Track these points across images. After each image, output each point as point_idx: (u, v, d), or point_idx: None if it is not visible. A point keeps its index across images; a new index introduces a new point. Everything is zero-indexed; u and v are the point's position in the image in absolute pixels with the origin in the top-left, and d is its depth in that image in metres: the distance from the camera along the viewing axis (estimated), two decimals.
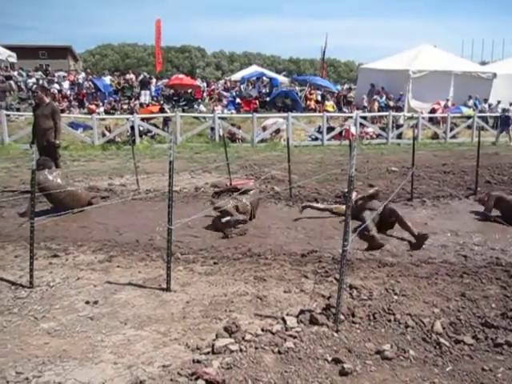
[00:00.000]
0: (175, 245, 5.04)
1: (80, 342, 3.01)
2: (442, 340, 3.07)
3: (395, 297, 3.74)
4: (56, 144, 7.63)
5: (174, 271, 4.10)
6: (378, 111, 19.06)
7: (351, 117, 17.00)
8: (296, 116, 16.93)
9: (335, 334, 3.08)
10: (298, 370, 2.71)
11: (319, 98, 21.30)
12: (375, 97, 20.43)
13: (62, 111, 18.33)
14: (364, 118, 17.15)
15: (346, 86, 28.49)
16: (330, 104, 20.43)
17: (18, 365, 2.74)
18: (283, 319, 3.27)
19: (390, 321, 3.33)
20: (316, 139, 15.90)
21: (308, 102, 20.70)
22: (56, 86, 21.58)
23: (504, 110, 17.54)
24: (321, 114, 16.97)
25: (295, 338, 3.01)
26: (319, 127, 16.14)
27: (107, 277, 4.17)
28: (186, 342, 2.99)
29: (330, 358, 2.83)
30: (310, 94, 21.27)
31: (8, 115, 14.74)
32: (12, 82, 22.10)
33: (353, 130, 15.92)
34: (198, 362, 2.74)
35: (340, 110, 20.60)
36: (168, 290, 3.84)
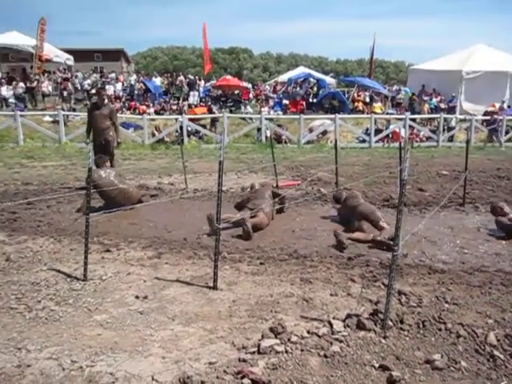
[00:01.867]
0: (222, 244, 5.09)
1: (130, 335, 3.11)
2: (496, 352, 2.93)
3: (446, 305, 3.61)
4: (118, 143, 8.03)
5: (220, 270, 4.15)
6: (429, 113, 18.49)
7: (400, 119, 16.61)
8: (343, 117, 16.72)
9: (383, 341, 3.01)
10: (344, 375, 2.68)
11: (367, 99, 20.94)
12: (425, 98, 19.84)
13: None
14: (413, 120, 16.70)
15: (395, 88, 27.83)
16: (378, 105, 20.05)
17: (73, 353, 2.86)
18: (329, 322, 3.23)
19: (440, 330, 3.22)
20: (363, 141, 15.66)
21: (355, 104, 20.40)
22: (110, 87, 22.40)
23: None
24: (368, 116, 16.69)
25: (341, 342, 2.97)
26: (367, 129, 15.88)
27: (156, 273, 4.28)
28: (232, 341, 3.02)
29: (377, 365, 2.77)
30: (358, 96, 20.94)
31: (66, 116, 15.45)
32: (69, 83, 23.14)
33: (402, 132, 15.54)
34: (244, 361, 2.76)
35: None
36: (215, 288, 3.89)
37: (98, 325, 3.26)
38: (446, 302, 3.64)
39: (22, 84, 20.27)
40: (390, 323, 3.17)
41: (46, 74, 23.72)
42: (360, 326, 3.16)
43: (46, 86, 22.07)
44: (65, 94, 19.65)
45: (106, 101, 8.27)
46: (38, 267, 4.42)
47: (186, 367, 2.72)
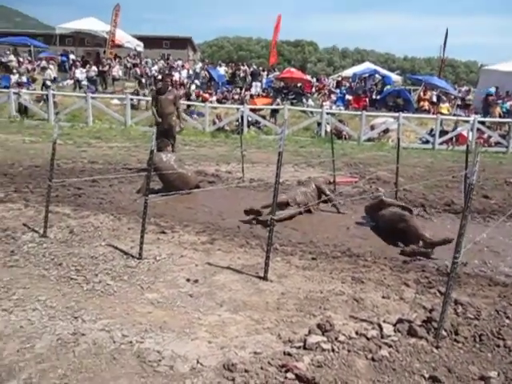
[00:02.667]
0: (274, 235, 5.08)
1: (179, 317, 3.17)
2: None
3: (507, 321, 3.39)
4: (181, 128, 8.22)
5: (271, 261, 4.14)
6: (500, 117, 17.40)
7: (468, 121, 15.78)
8: (407, 116, 16.13)
9: (435, 350, 2.88)
10: (391, 382, 2.58)
11: (434, 98, 20.04)
12: (497, 101, 18.68)
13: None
14: (482, 123, 15.80)
15: (465, 88, 26.50)
16: (445, 106, 19.14)
17: (124, 328, 2.96)
18: (379, 325, 3.13)
19: (498, 346, 3.03)
20: (427, 142, 15.04)
21: (421, 103, 19.58)
22: (176, 74, 22.95)
23: None
24: (434, 116, 15.99)
25: (391, 346, 2.87)
26: (431, 130, 15.22)
27: (208, 258, 4.34)
28: (278, 333, 3.01)
29: (427, 375, 2.65)
30: (424, 95, 20.09)
31: (132, 99, 16.02)
32: (137, 69, 23.96)
33: (469, 135, 14.76)
34: (289, 354, 2.74)
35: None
36: (265, 278, 3.89)
37: (149, 303, 3.36)
38: (507, 318, 3.42)
39: (94, 68, 21.22)
40: (444, 333, 3.02)
41: (117, 59, 24.69)
42: (411, 333, 3.03)
43: (117, 71, 22.99)
44: (143, 80, 20.47)
45: (171, 87, 8.45)
46: (97, 242, 4.62)
47: (230, 354, 2.73)
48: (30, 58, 25.46)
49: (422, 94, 20.23)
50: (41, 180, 7.10)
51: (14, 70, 20.37)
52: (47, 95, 16.06)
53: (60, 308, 3.21)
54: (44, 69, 22.29)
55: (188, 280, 3.80)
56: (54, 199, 6.08)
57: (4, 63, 23.01)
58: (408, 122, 15.70)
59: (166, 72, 17.26)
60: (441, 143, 14.76)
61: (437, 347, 2.92)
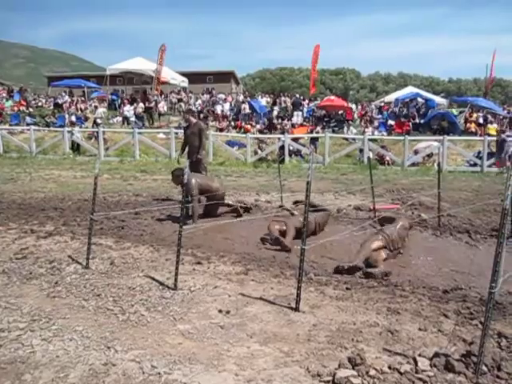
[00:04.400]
0: (310, 265, 5.06)
1: (208, 348, 3.18)
2: None
3: None
4: (198, 158, 8.15)
5: (305, 292, 4.09)
6: None
7: None
8: (452, 139, 15.68)
9: None
10: None
11: (481, 120, 19.42)
12: None
13: (221, 130, 20.01)
14: None
15: None
16: (493, 127, 18.47)
17: (154, 359, 3.00)
18: (414, 359, 3.00)
19: None
20: (474, 165, 14.51)
21: (468, 125, 19.02)
22: (218, 107, 23.63)
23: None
24: (481, 138, 15.44)
25: (425, 382, 2.73)
26: (479, 152, 14.70)
27: (241, 289, 4.34)
28: (307, 366, 2.94)
29: None
30: (471, 116, 19.51)
31: (176, 133, 16.60)
32: (182, 103, 24.87)
33: None
34: None
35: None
36: (297, 309, 3.83)
37: (180, 334, 3.40)
38: None
39: (141, 104, 22.24)
40: (485, 368, 2.85)
41: (162, 95, 25.76)
42: (448, 368, 2.88)
43: (162, 106, 23.97)
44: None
45: (195, 120, 8.49)
46: (135, 273, 4.75)
47: None
48: (83, 98, 27.07)
49: (467, 115, 19.68)
50: (88, 213, 7.41)
51: (69, 110, 21.71)
52: (98, 132, 16.96)
53: (95, 338, 3.31)
54: (95, 107, 23.61)
55: (220, 311, 3.82)
56: (98, 231, 6.37)
57: (60, 104, 24.60)
58: (453, 145, 15.27)
59: (188, 107, 17.77)
60: (489, 165, 14.20)
61: None
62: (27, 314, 3.72)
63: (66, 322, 3.58)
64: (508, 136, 16.98)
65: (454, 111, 21.53)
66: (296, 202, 7.59)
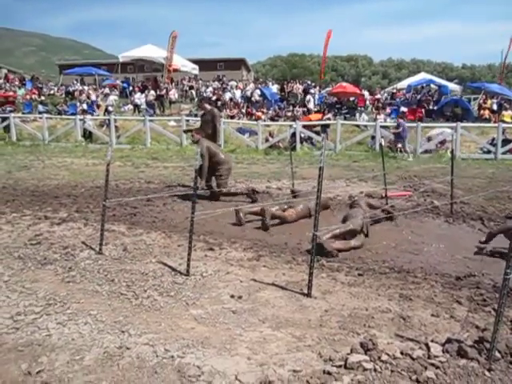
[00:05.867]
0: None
1: (221, 333, 3.20)
2: None
3: None
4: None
5: (316, 278, 4.09)
6: None
7: None
8: (466, 126, 15.45)
9: (486, 373, 2.70)
10: None
11: (494, 106, 19.08)
12: None
13: (232, 117, 19.95)
14: None
15: None
16: (507, 114, 18.14)
17: (167, 343, 3.04)
18: (427, 345, 2.99)
19: None
20: (488, 152, 14.30)
21: (482, 112, 18.71)
22: (228, 94, 23.53)
23: None
24: (495, 125, 15.19)
25: (438, 368, 2.73)
26: (493, 139, 14.48)
27: (253, 274, 4.36)
28: (319, 351, 2.95)
29: None
30: (485, 103, 19.18)
31: (187, 120, 16.60)
32: (193, 91, 24.82)
33: None
34: (329, 373, 2.68)
35: None
36: (309, 295, 3.84)
37: (192, 318, 3.43)
38: None
39: (152, 92, 22.24)
40: (498, 354, 2.83)
41: (173, 83, 25.72)
42: (461, 354, 2.86)
43: (173, 94, 23.93)
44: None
45: (209, 107, 8.65)
46: (148, 259, 4.79)
47: (269, 371, 2.72)
48: (94, 86, 27.14)
49: (482, 102, 19.36)
50: (100, 200, 7.47)
51: (80, 98, 21.80)
52: (109, 120, 17.02)
53: (109, 322, 3.35)
54: (107, 95, 23.65)
55: (232, 296, 3.84)
56: (111, 218, 6.42)
57: (71, 92, 24.69)
58: (467, 132, 15.05)
59: (203, 96, 17.81)
60: (504, 152, 13.99)
61: (489, 370, 2.74)
62: (42, 299, 3.78)
63: (80, 307, 3.63)
64: None
65: (471, 98, 21.17)
66: (293, 192, 7.70)
